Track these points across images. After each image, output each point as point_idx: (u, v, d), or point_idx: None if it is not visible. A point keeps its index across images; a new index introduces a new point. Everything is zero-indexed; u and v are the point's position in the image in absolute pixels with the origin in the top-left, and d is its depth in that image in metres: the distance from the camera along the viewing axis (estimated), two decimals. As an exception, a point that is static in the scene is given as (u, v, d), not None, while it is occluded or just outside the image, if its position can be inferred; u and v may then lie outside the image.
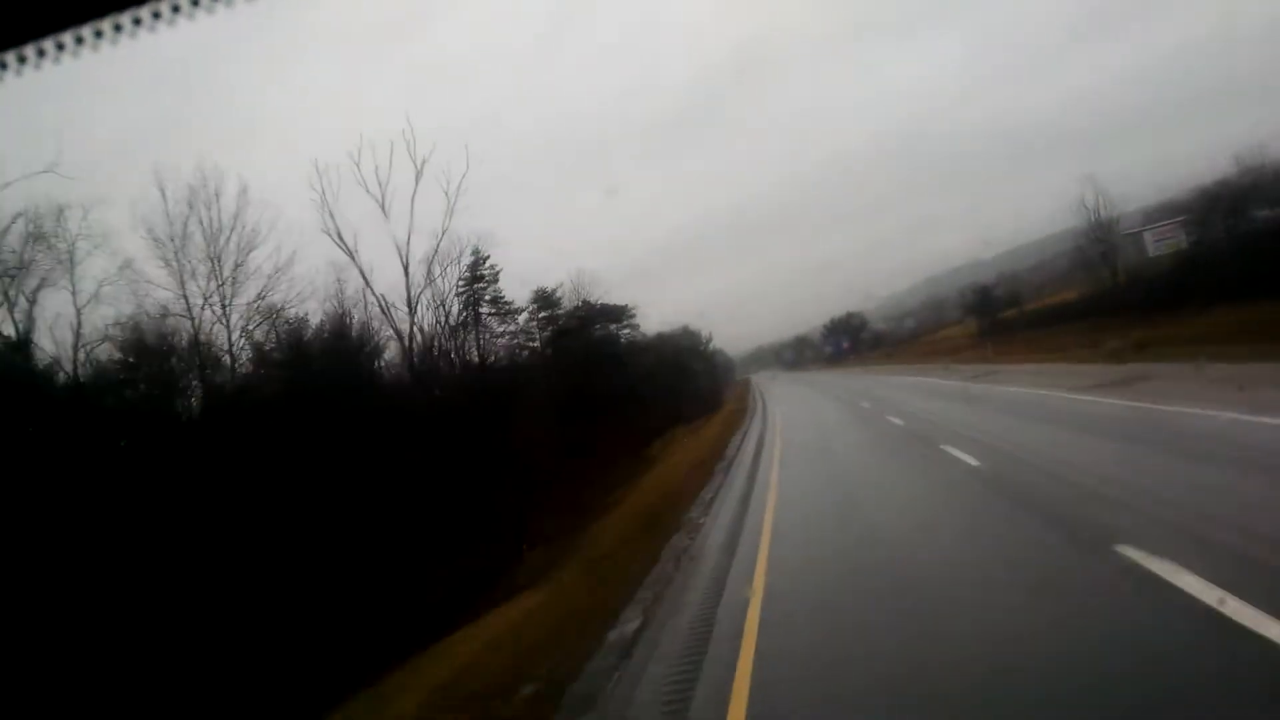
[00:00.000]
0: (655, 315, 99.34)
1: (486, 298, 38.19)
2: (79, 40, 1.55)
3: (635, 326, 52.43)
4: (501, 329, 40.19)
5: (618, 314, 49.72)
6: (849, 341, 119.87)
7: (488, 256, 37.47)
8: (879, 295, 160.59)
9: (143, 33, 1.59)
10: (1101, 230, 43.59)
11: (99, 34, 1.56)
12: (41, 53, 1.56)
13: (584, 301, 45.24)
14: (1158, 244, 42.13)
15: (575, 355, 41.24)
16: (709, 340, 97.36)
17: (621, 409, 40.21)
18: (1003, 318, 58.30)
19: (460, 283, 35.63)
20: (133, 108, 73.52)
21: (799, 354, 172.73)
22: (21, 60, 1.57)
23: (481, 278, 37.57)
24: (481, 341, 37.58)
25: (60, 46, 1.55)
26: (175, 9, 1.57)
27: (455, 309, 35.14)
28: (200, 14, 1.61)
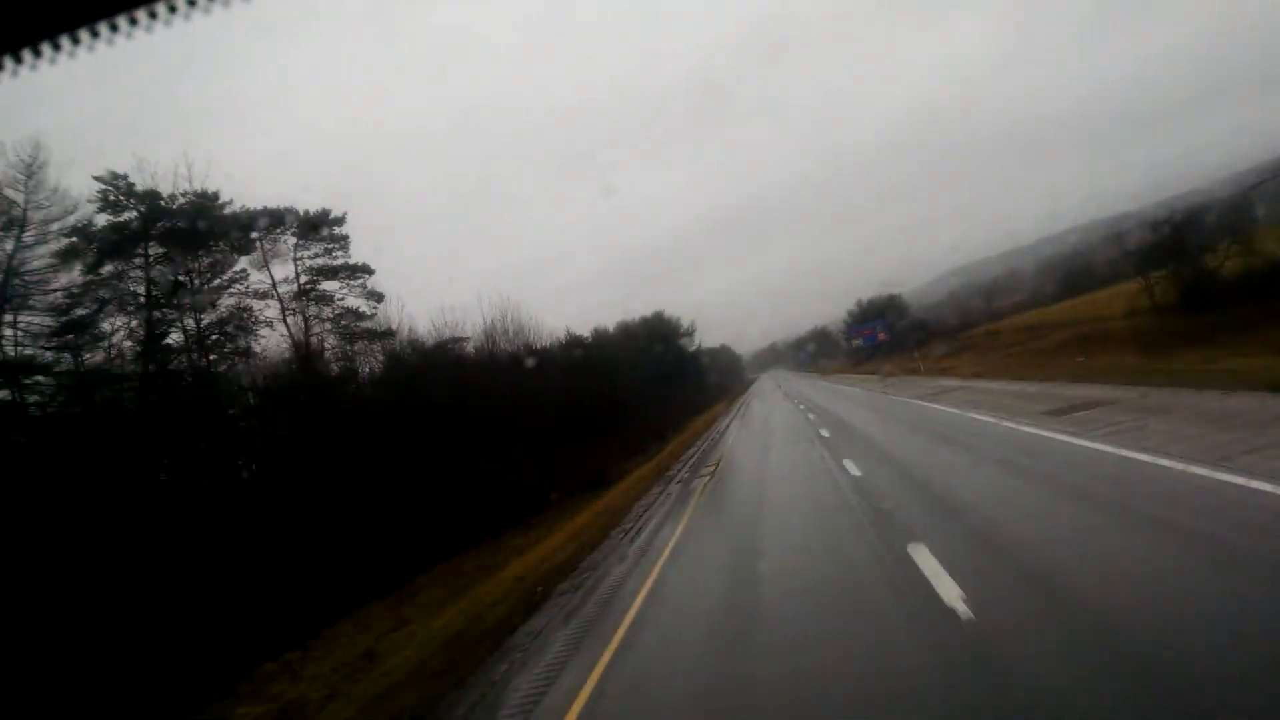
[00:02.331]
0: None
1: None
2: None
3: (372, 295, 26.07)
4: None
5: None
6: (885, 331, 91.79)
7: None
8: (908, 284, 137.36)
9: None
10: None
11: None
12: None
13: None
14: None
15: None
16: (690, 332, 72.36)
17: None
18: (1214, 273, 31.69)
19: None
20: None
21: (816, 350, 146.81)
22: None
23: None
24: None
25: None
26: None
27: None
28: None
